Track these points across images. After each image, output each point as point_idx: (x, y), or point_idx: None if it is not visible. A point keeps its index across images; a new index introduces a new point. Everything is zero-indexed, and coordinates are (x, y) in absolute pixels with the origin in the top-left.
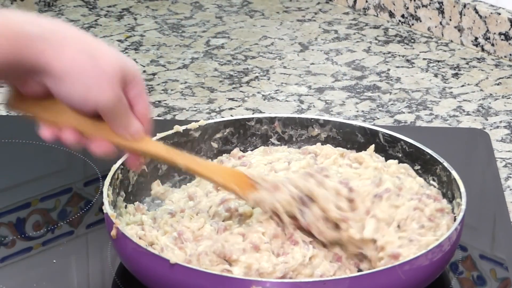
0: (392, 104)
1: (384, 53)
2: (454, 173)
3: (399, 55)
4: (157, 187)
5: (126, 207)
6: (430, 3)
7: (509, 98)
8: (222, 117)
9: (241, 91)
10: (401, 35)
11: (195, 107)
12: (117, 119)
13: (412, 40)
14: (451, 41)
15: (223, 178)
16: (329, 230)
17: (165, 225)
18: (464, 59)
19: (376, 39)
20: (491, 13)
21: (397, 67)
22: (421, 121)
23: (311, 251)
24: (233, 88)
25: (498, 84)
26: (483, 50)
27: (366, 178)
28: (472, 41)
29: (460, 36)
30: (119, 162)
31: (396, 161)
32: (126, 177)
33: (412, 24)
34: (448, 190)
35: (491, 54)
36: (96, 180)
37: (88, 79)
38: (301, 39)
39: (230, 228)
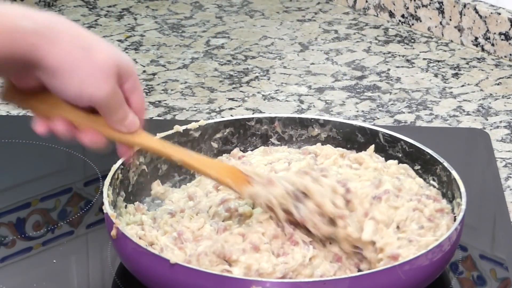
0: (392, 104)
1: (384, 53)
2: (454, 173)
3: (399, 55)
4: (157, 187)
5: (126, 207)
6: (430, 3)
7: (509, 98)
8: (222, 117)
9: (241, 91)
10: (401, 35)
11: (195, 107)
12: (112, 113)
13: (412, 40)
14: (451, 41)
15: (218, 173)
16: (324, 225)
17: (165, 225)
18: (464, 59)
19: (376, 39)
20: (491, 13)
21: (397, 67)
22: (421, 121)
23: (311, 251)
24: (233, 88)
25: (498, 84)
26: (483, 50)
27: (366, 180)
28: (472, 41)
29: (460, 36)
30: (119, 162)
31: (396, 161)
32: (126, 177)
33: (412, 24)
34: (448, 190)
35: (491, 54)
36: (96, 180)
37: (82, 73)
38: (301, 39)
39: (230, 228)
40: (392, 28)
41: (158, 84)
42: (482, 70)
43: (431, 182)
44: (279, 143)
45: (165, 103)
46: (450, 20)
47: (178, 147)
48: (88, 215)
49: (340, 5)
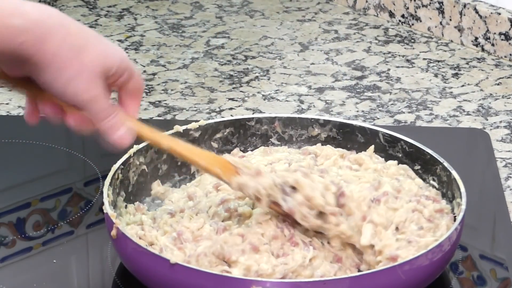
0: (392, 104)
1: (384, 53)
2: (454, 173)
3: (399, 55)
4: (157, 187)
5: (126, 207)
6: (430, 3)
7: (509, 98)
8: (222, 117)
9: (241, 91)
10: (401, 35)
11: (195, 107)
12: (94, 115)
13: (412, 40)
14: (451, 41)
15: (207, 162)
16: (312, 217)
17: (164, 225)
18: (464, 59)
19: (376, 39)
20: (491, 13)
21: (397, 67)
22: (421, 121)
23: (312, 252)
24: (233, 88)
25: (498, 84)
26: (483, 50)
27: (365, 182)
28: (472, 41)
29: (460, 36)
30: (119, 162)
31: (396, 162)
32: (126, 177)
33: (412, 24)
34: (448, 190)
35: (491, 54)
36: (96, 180)
37: (69, 73)
38: (301, 39)
39: (230, 228)
40: (392, 28)
41: (158, 84)
42: (482, 70)
43: (431, 182)
44: (279, 143)
45: (165, 103)
46: (450, 20)
47: (167, 135)
48: (88, 215)
49: (340, 5)
